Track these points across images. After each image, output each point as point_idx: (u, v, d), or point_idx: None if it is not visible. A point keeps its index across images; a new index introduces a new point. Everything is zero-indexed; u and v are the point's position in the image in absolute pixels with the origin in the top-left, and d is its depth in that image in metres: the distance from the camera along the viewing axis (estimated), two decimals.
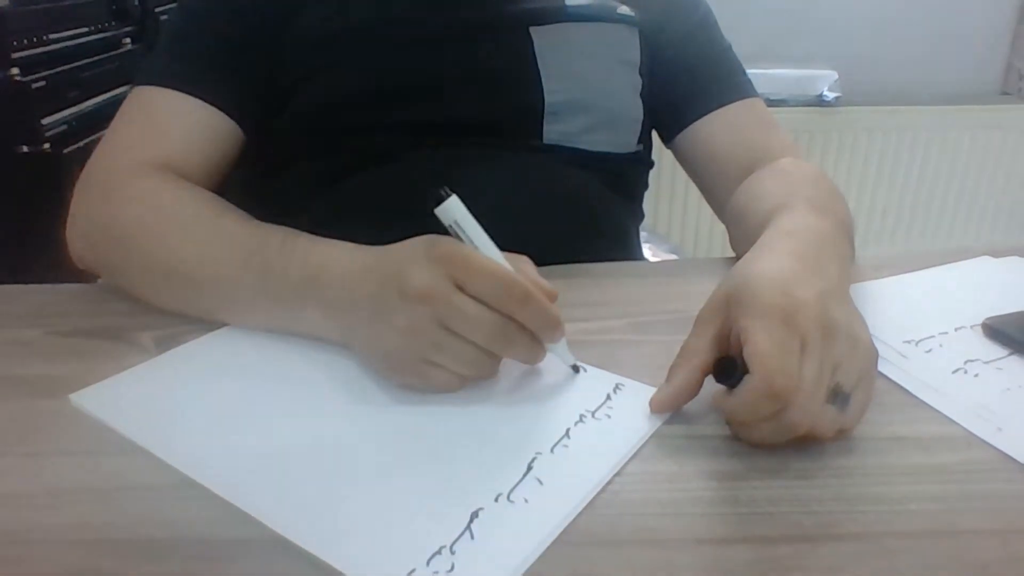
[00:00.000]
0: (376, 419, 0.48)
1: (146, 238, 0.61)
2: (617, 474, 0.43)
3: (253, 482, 0.42)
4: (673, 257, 1.53)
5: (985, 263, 0.70)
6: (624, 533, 0.39)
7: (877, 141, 1.98)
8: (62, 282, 0.67)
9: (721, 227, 0.75)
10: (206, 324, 0.58)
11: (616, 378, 0.52)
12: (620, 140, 0.78)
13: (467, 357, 0.47)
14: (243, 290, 0.56)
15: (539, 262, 0.68)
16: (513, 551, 0.37)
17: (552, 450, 0.45)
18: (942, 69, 2.04)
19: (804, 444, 0.44)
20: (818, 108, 1.92)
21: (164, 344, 0.56)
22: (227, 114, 0.70)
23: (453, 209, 0.47)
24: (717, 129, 0.78)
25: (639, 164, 0.83)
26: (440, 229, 0.48)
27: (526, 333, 0.48)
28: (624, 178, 0.81)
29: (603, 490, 0.42)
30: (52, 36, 1.38)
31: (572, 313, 0.61)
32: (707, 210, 0.82)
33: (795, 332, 0.43)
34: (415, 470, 0.43)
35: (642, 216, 0.88)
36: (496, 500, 0.41)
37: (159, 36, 0.76)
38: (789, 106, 1.91)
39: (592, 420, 0.48)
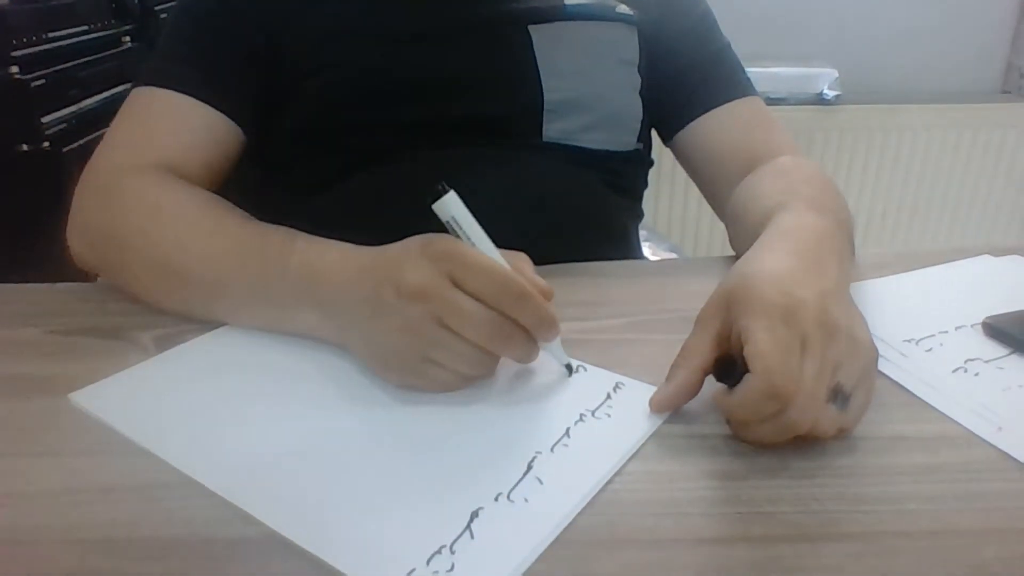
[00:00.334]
0: (376, 418, 0.48)
1: (145, 238, 0.61)
2: (617, 473, 0.43)
3: (253, 482, 0.42)
4: (673, 256, 1.53)
5: (985, 262, 0.70)
6: (624, 532, 0.39)
7: (877, 140, 1.98)
8: (62, 281, 0.67)
9: (721, 226, 0.75)
10: (206, 323, 0.58)
11: (616, 377, 0.52)
12: (619, 139, 0.78)
13: (465, 355, 0.47)
14: (241, 290, 0.57)
15: (538, 261, 0.68)
16: (513, 550, 0.37)
17: (552, 449, 0.45)
18: (942, 68, 2.04)
19: (804, 444, 0.44)
20: (818, 106, 1.92)
21: (164, 343, 0.56)
22: (227, 115, 0.70)
23: (450, 205, 0.47)
24: (716, 128, 0.78)
25: (639, 163, 0.83)
26: (440, 228, 0.48)
27: (522, 331, 0.48)
28: (624, 177, 0.81)
29: (603, 489, 0.42)
30: (52, 34, 1.38)
31: (572, 312, 0.61)
32: (707, 209, 0.82)
33: (795, 331, 0.43)
34: (415, 470, 0.43)
35: (642, 215, 0.88)
36: (496, 499, 0.41)
37: (159, 35, 0.76)
38: (789, 104, 1.91)
39: (592, 419, 0.48)
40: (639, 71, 0.79)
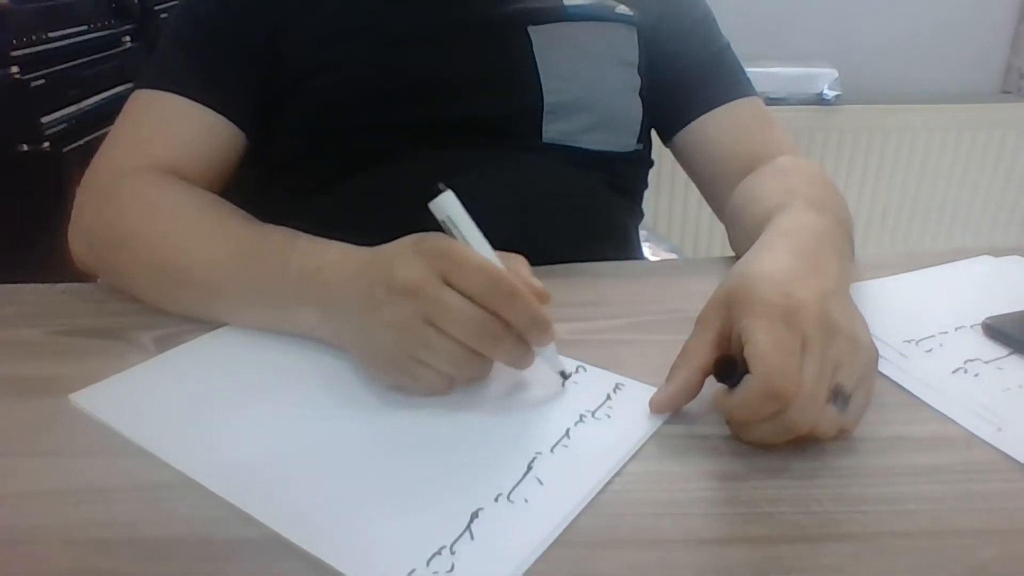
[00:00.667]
0: (376, 419, 0.48)
1: (145, 240, 0.61)
2: (617, 474, 0.43)
3: (253, 483, 0.42)
4: (673, 257, 1.53)
5: (985, 263, 0.70)
6: (624, 533, 0.39)
7: (877, 140, 1.97)
8: (62, 282, 0.67)
9: (721, 227, 0.75)
10: (206, 324, 0.58)
11: (616, 378, 0.52)
12: (619, 139, 0.78)
13: (454, 355, 0.46)
14: (241, 291, 0.57)
15: (538, 261, 0.68)
16: (513, 551, 0.37)
17: (552, 450, 0.45)
18: (942, 68, 2.04)
19: (804, 444, 0.44)
20: (818, 106, 1.92)
21: (164, 344, 0.56)
22: (228, 118, 0.70)
23: (446, 204, 0.47)
24: (716, 128, 0.78)
25: (639, 163, 0.83)
26: (440, 229, 0.48)
27: (512, 333, 0.47)
28: (624, 177, 0.81)
29: (603, 490, 0.42)
30: (52, 34, 1.38)
31: (572, 313, 0.61)
32: (707, 210, 0.82)
33: (796, 332, 0.43)
34: (415, 470, 0.43)
35: (641, 215, 0.88)
36: (496, 500, 0.41)
37: (159, 36, 0.76)
38: (789, 104, 1.91)
39: (592, 420, 0.48)
40: (639, 72, 0.79)
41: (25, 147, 1.30)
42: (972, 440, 0.46)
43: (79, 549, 0.38)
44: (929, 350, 0.55)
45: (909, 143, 1.99)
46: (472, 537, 0.38)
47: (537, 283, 0.49)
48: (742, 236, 0.65)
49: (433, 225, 0.48)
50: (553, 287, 0.65)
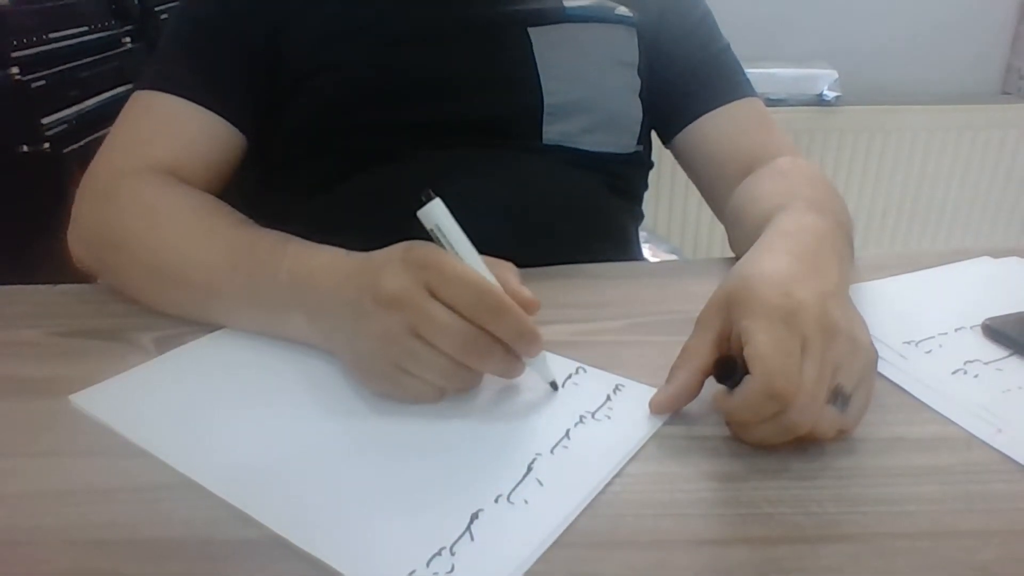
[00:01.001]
0: (376, 420, 0.48)
1: (140, 241, 0.61)
2: (617, 475, 0.43)
3: (253, 483, 0.42)
4: (673, 258, 1.53)
5: (985, 264, 0.70)
6: (624, 534, 0.39)
7: (877, 141, 1.97)
8: (63, 282, 0.67)
9: (721, 228, 0.75)
10: (206, 325, 0.58)
11: (616, 379, 0.52)
12: (619, 141, 0.78)
13: (439, 367, 0.46)
14: (232, 295, 0.56)
15: (538, 262, 0.68)
16: (513, 552, 0.37)
17: (552, 451, 0.45)
18: (942, 69, 2.04)
19: (804, 445, 0.44)
20: (818, 107, 1.92)
21: (164, 345, 0.56)
22: (227, 119, 0.70)
23: (434, 213, 0.46)
24: (716, 129, 0.78)
25: (639, 165, 0.83)
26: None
27: (500, 346, 0.46)
28: (624, 179, 0.81)
29: (603, 491, 0.42)
30: (52, 35, 1.38)
31: (572, 314, 0.61)
32: (707, 211, 0.82)
33: (796, 333, 0.43)
34: (415, 472, 0.43)
35: (642, 217, 0.88)
36: (496, 501, 0.41)
37: (159, 36, 0.76)
38: (789, 105, 1.91)
39: (592, 421, 0.48)
40: (639, 73, 0.79)
41: (25, 148, 1.30)
42: (972, 441, 0.46)
43: (79, 549, 0.38)
44: (929, 351, 0.55)
45: (909, 144, 1.99)
46: (472, 538, 0.38)
47: (526, 292, 0.48)
48: (742, 237, 0.65)
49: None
50: (553, 288, 0.65)
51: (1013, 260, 0.70)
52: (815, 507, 0.41)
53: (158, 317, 0.60)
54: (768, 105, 0.81)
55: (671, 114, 0.80)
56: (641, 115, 0.79)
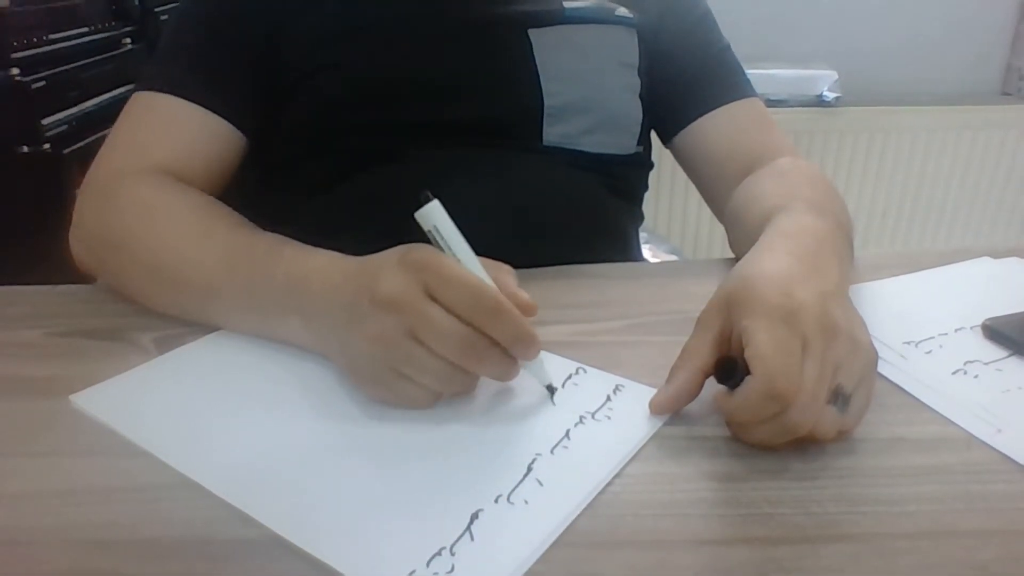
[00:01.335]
0: (377, 420, 0.48)
1: (139, 243, 0.61)
2: (617, 475, 0.43)
3: (253, 482, 0.42)
4: (673, 258, 1.53)
5: (985, 264, 0.70)
6: (624, 534, 0.39)
7: (877, 141, 1.98)
8: (63, 282, 0.67)
9: (721, 228, 0.75)
10: (206, 325, 0.58)
11: (616, 379, 0.52)
12: (619, 141, 0.78)
13: (436, 370, 0.45)
14: (230, 297, 0.56)
15: (538, 263, 0.68)
16: (513, 552, 0.37)
17: (552, 451, 0.45)
18: (942, 69, 2.04)
19: (804, 445, 0.44)
20: (818, 108, 1.92)
21: (164, 345, 0.56)
22: (227, 119, 0.70)
23: (432, 215, 0.46)
24: (715, 129, 0.78)
25: (639, 166, 0.83)
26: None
27: (497, 349, 0.45)
28: (624, 180, 0.81)
29: (603, 491, 0.42)
30: (52, 36, 1.38)
31: (572, 314, 0.61)
32: (707, 211, 0.82)
33: (796, 333, 0.43)
34: (415, 471, 0.43)
35: (642, 218, 0.88)
36: (496, 501, 0.41)
37: (159, 37, 0.76)
38: (789, 106, 1.91)
39: (592, 421, 0.48)
40: (639, 74, 0.79)
41: (26, 149, 1.30)
42: (972, 441, 0.46)
43: (79, 549, 0.38)
44: (929, 351, 0.55)
45: (909, 144, 1.99)
46: (472, 538, 0.38)
47: (523, 294, 0.48)
48: (742, 237, 0.65)
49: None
50: (553, 288, 0.65)
51: (1013, 260, 0.70)
52: (815, 507, 0.41)
53: (158, 317, 0.60)
54: (768, 106, 0.81)
55: (671, 114, 0.80)
56: (641, 116, 0.79)
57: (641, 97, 0.79)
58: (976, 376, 0.52)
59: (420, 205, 0.46)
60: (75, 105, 1.40)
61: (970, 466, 0.44)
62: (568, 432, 0.47)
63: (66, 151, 1.34)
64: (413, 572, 0.36)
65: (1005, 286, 0.66)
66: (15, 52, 1.28)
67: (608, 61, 0.77)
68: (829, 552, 0.38)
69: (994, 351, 0.55)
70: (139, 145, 0.68)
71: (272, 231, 0.59)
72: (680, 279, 0.69)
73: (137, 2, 1.62)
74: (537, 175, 0.74)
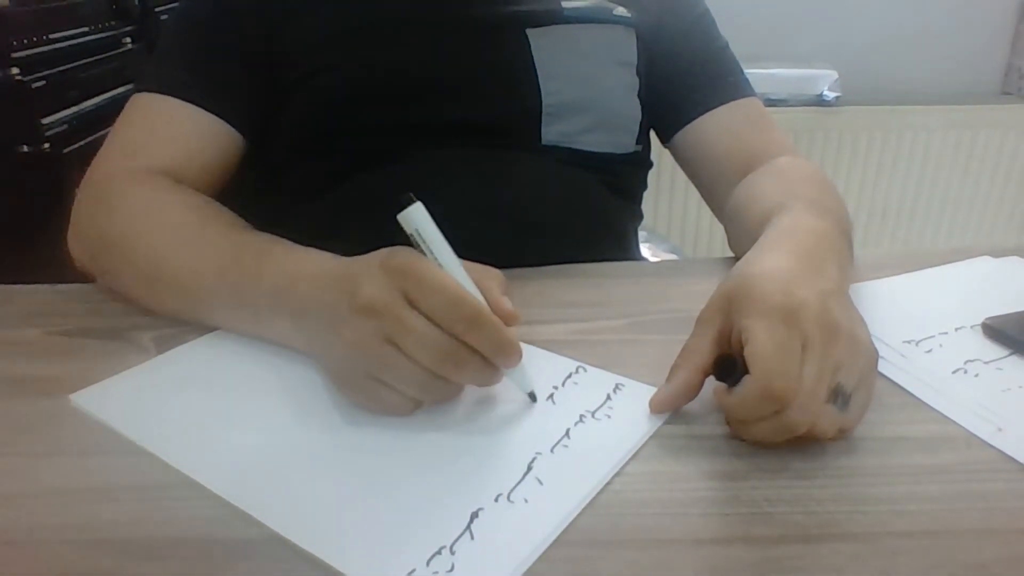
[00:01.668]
0: (377, 419, 0.48)
1: (133, 244, 0.61)
2: (617, 474, 0.43)
3: (253, 482, 0.42)
4: (673, 257, 1.53)
5: (985, 263, 0.70)
6: (624, 533, 0.39)
7: (877, 141, 1.98)
8: (62, 282, 0.67)
9: (721, 227, 0.75)
10: (206, 325, 0.58)
11: (616, 378, 0.52)
12: (618, 140, 0.78)
13: (414, 377, 0.44)
14: (220, 299, 0.56)
15: (537, 262, 0.68)
16: (513, 551, 0.37)
17: (552, 450, 0.45)
18: (942, 69, 2.04)
19: (804, 444, 0.44)
20: (818, 108, 1.92)
21: (164, 344, 0.56)
22: (226, 120, 0.70)
23: (415, 217, 0.45)
24: (714, 129, 0.78)
25: (638, 165, 0.83)
26: (445, 235, 0.47)
27: (477, 357, 0.44)
28: (623, 179, 0.81)
29: (603, 490, 0.42)
30: (52, 36, 1.38)
31: (572, 313, 0.61)
32: (706, 210, 0.82)
33: (796, 332, 0.43)
34: (415, 470, 0.43)
35: (641, 217, 0.88)
36: (496, 500, 0.41)
37: (159, 37, 0.76)
38: (789, 106, 1.91)
39: (592, 420, 0.48)
40: (637, 73, 0.79)
41: (25, 148, 1.30)
42: (972, 440, 0.46)
43: (79, 549, 0.38)
44: (929, 350, 0.55)
45: (909, 144, 1.99)
46: (472, 537, 0.38)
47: (506, 303, 0.47)
48: (741, 236, 0.65)
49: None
50: (553, 287, 0.65)
51: (1013, 259, 0.70)
52: (815, 506, 0.41)
53: (158, 317, 0.60)
54: (768, 105, 0.81)
55: (670, 114, 0.80)
56: (640, 115, 0.79)
57: (640, 96, 0.79)
58: (976, 375, 0.52)
59: (403, 207, 0.45)
60: (75, 105, 1.40)
61: (970, 465, 0.44)
62: (568, 431, 0.47)
63: (66, 151, 1.34)
64: (413, 571, 0.36)
65: (1005, 285, 0.66)
66: (15, 52, 1.28)
67: (607, 60, 0.77)
68: (829, 551, 0.38)
69: (994, 350, 0.55)
70: (136, 146, 0.68)
71: (272, 232, 0.59)
72: (680, 278, 0.69)
73: (137, 2, 1.62)
74: (536, 174, 0.74)
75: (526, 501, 0.41)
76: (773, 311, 0.43)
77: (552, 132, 0.74)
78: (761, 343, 0.42)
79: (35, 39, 1.34)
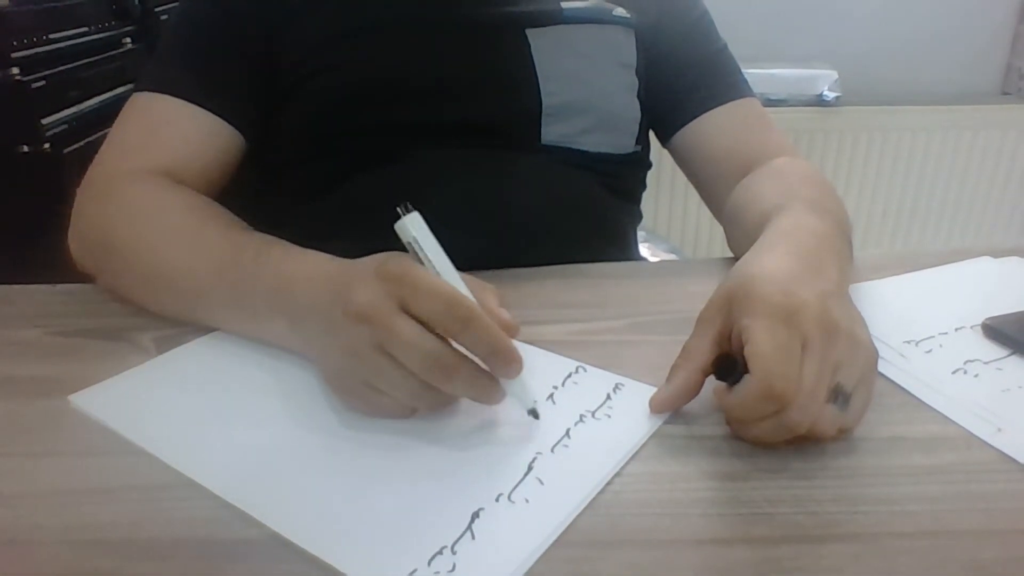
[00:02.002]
0: (377, 419, 0.48)
1: (134, 245, 0.61)
2: (617, 474, 0.43)
3: (253, 482, 0.42)
4: (672, 257, 1.53)
5: (985, 263, 0.70)
6: (624, 533, 0.39)
7: (877, 141, 1.98)
8: (62, 282, 0.67)
9: (720, 228, 0.75)
10: (205, 325, 0.58)
11: (616, 378, 0.52)
12: (618, 141, 0.78)
13: (408, 385, 0.44)
14: (217, 300, 0.56)
15: (537, 262, 0.68)
16: (514, 551, 0.37)
17: (552, 450, 0.45)
18: (942, 69, 2.04)
19: (804, 444, 0.44)
20: (818, 108, 1.92)
21: (164, 345, 0.56)
22: (227, 120, 0.70)
23: (411, 226, 0.45)
24: (713, 129, 0.78)
25: (637, 165, 0.83)
26: (443, 236, 0.47)
27: (470, 365, 0.44)
28: (622, 179, 0.81)
29: (603, 490, 0.42)
30: (52, 36, 1.38)
31: (571, 313, 0.61)
32: (706, 211, 0.82)
33: (796, 332, 0.43)
34: (416, 470, 0.43)
35: (640, 217, 0.88)
36: (497, 500, 0.41)
37: (159, 37, 0.76)
38: (789, 106, 1.91)
39: (592, 420, 0.48)
40: (637, 73, 0.79)
41: (25, 148, 1.30)
42: (972, 440, 0.46)
43: (79, 549, 0.38)
44: (929, 351, 0.55)
45: (909, 144, 1.99)
46: (473, 537, 0.38)
47: (505, 315, 0.46)
48: (741, 237, 0.65)
49: (432, 225, 0.47)
50: (553, 288, 0.65)
51: (1013, 260, 0.70)
52: (815, 506, 0.41)
53: (158, 317, 0.60)
54: (768, 105, 0.81)
55: (669, 114, 0.80)
56: (639, 115, 0.79)
57: (639, 97, 0.79)
58: (976, 375, 0.52)
59: (399, 217, 0.45)
60: (75, 105, 1.40)
61: (970, 465, 0.44)
62: (568, 431, 0.47)
63: (66, 151, 1.33)
64: (414, 571, 0.36)
65: (1005, 285, 0.66)
66: (15, 52, 1.28)
67: (606, 61, 0.77)
68: (829, 551, 0.38)
69: (994, 350, 0.55)
70: (136, 146, 0.68)
71: (272, 233, 0.59)
72: (679, 278, 0.69)
73: (137, 2, 1.62)
74: (536, 175, 0.74)
75: (527, 501, 0.41)
76: (773, 311, 0.43)
77: (552, 133, 0.74)
78: (761, 343, 0.42)
79: (35, 39, 1.34)
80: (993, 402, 0.49)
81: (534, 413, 0.47)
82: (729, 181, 0.74)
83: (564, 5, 0.76)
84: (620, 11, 0.78)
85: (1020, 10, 2.01)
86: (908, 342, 0.56)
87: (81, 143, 1.35)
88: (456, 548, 0.37)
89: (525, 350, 0.54)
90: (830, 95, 1.90)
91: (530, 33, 0.74)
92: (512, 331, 0.45)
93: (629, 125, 0.79)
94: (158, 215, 0.62)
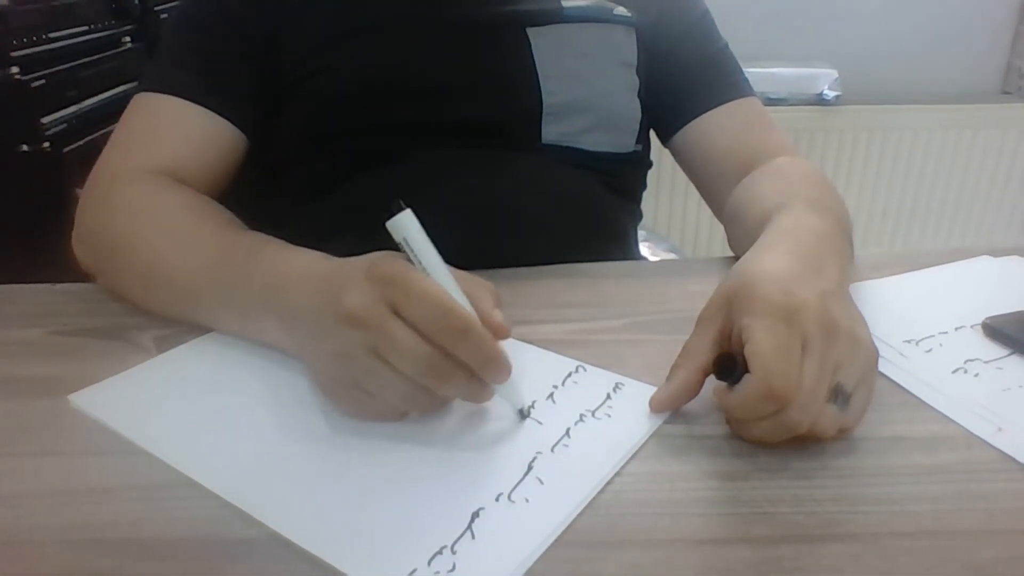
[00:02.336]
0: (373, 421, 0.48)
1: (134, 245, 0.61)
2: (617, 474, 0.43)
3: (253, 482, 0.42)
4: (672, 257, 1.53)
5: (985, 263, 0.70)
6: (624, 533, 0.39)
7: (877, 140, 1.98)
8: (63, 282, 0.67)
9: (720, 227, 0.75)
10: (202, 325, 0.58)
11: (616, 377, 0.52)
12: (618, 140, 0.78)
13: (400, 389, 0.44)
14: (213, 299, 0.56)
15: (537, 262, 0.68)
16: (514, 551, 0.37)
17: (552, 450, 0.45)
18: (942, 68, 2.04)
19: (804, 444, 0.44)
20: (818, 107, 1.92)
21: (164, 344, 0.56)
22: (228, 119, 0.70)
23: (403, 225, 0.44)
24: (714, 128, 0.78)
25: (638, 164, 0.83)
26: (443, 236, 0.47)
27: (463, 370, 0.43)
28: (623, 178, 0.81)
29: (603, 490, 0.42)
30: (52, 35, 1.38)
31: (571, 313, 0.61)
32: (706, 210, 0.82)
33: (797, 332, 0.43)
34: (416, 470, 0.43)
35: (640, 217, 0.88)
36: (497, 500, 0.41)
37: (159, 36, 0.76)
38: (789, 105, 1.91)
39: (592, 420, 0.48)
40: (637, 72, 0.79)
41: (25, 147, 1.30)
42: (972, 440, 0.46)
43: (79, 549, 0.38)
44: (929, 350, 0.55)
45: (909, 143, 1.99)
46: (473, 537, 0.38)
47: (497, 316, 0.45)
48: (741, 236, 0.65)
49: (431, 225, 0.47)
50: (553, 287, 0.65)
51: (1013, 259, 0.70)
52: (815, 506, 0.41)
53: (158, 317, 0.60)
54: (768, 105, 0.81)
55: (669, 113, 0.80)
56: (640, 115, 0.79)
57: (640, 96, 0.79)
58: (976, 375, 0.52)
59: (392, 214, 0.44)
60: (75, 104, 1.40)
61: (970, 465, 0.44)
62: (568, 430, 0.47)
63: (66, 150, 1.34)
64: (414, 571, 0.36)
65: (1005, 285, 0.66)
66: (15, 51, 1.28)
67: (607, 60, 0.77)
68: (829, 551, 0.38)
69: (994, 349, 0.55)
70: (138, 147, 0.68)
71: (272, 233, 0.59)
72: (680, 278, 0.69)
73: (137, 1, 1.62)
74: (536, 174, 0.73)
75: (527, 500, 0.41)
76: (774, 310, 0.43)
77: (552, 132, 0.74)
78: (761, 342, 0.42)
79: (35, 38, 1.33)
80: (993, 401, 0.49)
81: (522, 413, 0.47)
82: (730, 180, 0.74)
83: (565, 4, 0.76)
84: (621, 10, 0.78)
85: (1020, 10, 2.01)
86: (908, 341, 0.56)
87: (81, 142, 1.35)
88: (456, 548, 0.37)
89: (525, 349, 0.55)
90: (830, 94, 1.90)
91: (530, 32, 0.74)
92: (503, 333, 0.45)
93: (630, 124, 0.79)
94: (156, 214, 0.62)
